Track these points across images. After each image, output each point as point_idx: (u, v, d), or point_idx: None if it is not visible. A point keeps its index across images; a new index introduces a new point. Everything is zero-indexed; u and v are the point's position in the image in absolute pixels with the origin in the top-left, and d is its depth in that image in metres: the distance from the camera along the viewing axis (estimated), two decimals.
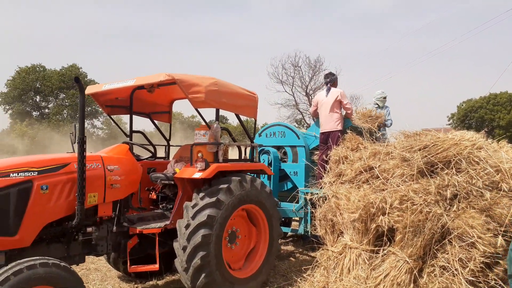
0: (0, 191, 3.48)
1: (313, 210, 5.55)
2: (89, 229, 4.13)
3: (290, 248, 7.23)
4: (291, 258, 6.52)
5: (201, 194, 4.39)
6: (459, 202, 4.21)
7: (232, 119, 50.25)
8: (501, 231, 4.00)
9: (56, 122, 40.11)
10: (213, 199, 4.31)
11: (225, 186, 4.46)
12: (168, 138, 6.22)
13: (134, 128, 5.66)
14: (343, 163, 5.58)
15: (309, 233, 5.89)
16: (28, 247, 3.67)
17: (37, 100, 44.53)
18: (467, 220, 4.04)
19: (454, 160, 4.41)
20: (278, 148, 7.09)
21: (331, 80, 6.57)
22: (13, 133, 41.50)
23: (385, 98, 7.78)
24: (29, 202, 3.62)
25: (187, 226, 4.25)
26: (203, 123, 4.85)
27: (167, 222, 4.57)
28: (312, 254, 6.30)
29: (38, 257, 3.30)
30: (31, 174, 3.66)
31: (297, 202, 6.18)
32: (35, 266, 3.18)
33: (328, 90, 6.50)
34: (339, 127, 6.27)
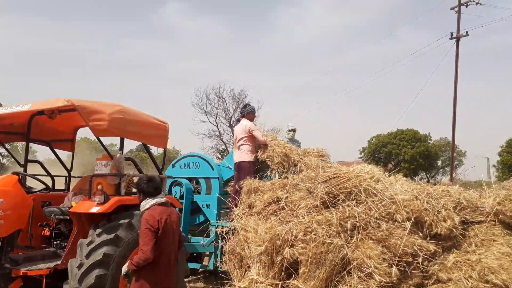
0: None
1: (223, 244, 5.43)
2: None
3: (200, 285, 6.95)
4: None
5: (98, 230, 4.06)
6: (358, 233, 4.39)
7: (154, 149, 48.70)
8: (395, 261, 4.21)
9: None
10: (111, 235, 4.01)
11: (126, 221, 4.18)
12: (69, 168, 5.76)
13: (35, 157, 5.17)
14: (254, 194, 5.59)
15: (219, 269, 5.72)
16: None
17: None
18: (365, 250, 4.21)
19: (354, 191, 4.62)
20: (192, 179, 6.93)
21: (242, 112, 6.72)
22: None
23: (291, 130, 8.02)
24: None
25: (79, 266, 3.87)
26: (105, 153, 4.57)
27: (58, 262, 4.15)
28: None
29: None
30: None
31: (208, 236, 6.01)
32: None
33: (238, 121, 6.64)
34: (247, 158, 6.30)
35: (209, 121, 34.97)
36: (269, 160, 6.13)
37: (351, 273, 4.10)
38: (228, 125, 35.24)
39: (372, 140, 45.51)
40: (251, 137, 6.37)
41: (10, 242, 4.07)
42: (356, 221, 4.45)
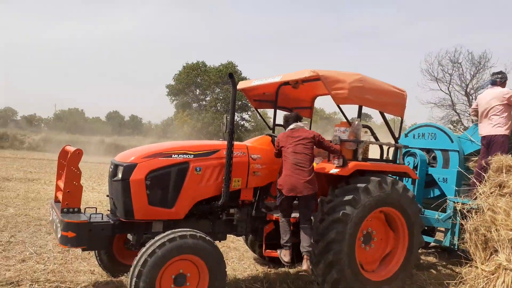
0: (164, 168, 4.05)
1: (463, 222, 4.97)
2: (232, 211, 4.53)
3: (431, 259, 6.64)
4: (432, 270, 5.98)
5: (337, 191, 4.37)
6: None
7: (376, 118, 48.00)
8: None
9: (212, 113, 44.47)
10: (349, 197, 4.24)
11: (363, 185, 4.33)
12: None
13: (277, 122, 5.91)
14: (506, 173, 4.85)
15: (456, 247, 5.30)
16: (181, 220, 4.19)
17: (197, 93, 49.94)
18: None
19: None
20: (427, 151, 6.54)
21: (496, 79, 5.77)
22: (176, 121, 47.78)
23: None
24: (185, 181, 4.14)
25: (321, 221, 4.30)
26: (344, 120, 4.79)
27: None
28: (457, 269, 5.67)
29: (188, 229, 3.75)
30: (188, 156, 4.17)
31: (443, 211, 5.61)
32: (186, 236, 3.62)
33: (491, 89, 5.76)
34: (501, 132, 5.44)
35: (440, 89, 31.79)
36: None
37: None
38: (463, 93, 31.21)
39: None
40: (508, 107, 5.47)
41: (265, 191, 4.82)
42: None
